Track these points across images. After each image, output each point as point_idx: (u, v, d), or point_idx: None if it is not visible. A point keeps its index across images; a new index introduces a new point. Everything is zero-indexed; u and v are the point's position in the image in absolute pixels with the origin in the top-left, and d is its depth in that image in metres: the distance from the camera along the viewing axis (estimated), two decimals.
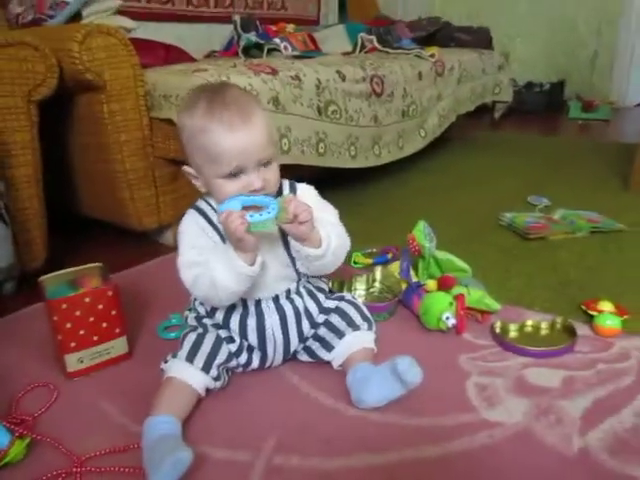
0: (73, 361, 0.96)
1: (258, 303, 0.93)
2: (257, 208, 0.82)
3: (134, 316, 1.16)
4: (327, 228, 0.89)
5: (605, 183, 2.10)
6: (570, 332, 1.06)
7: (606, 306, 1.11)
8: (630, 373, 0.94)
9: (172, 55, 1.84)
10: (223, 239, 0.89)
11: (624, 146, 2.63)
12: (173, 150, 1.41)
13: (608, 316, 1.06)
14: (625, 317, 1.09)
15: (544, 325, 1.09)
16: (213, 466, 0.76)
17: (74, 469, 0.76)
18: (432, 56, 2.32)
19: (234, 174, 0.83)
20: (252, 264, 0.83)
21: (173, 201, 1.51)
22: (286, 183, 0.95)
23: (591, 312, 1.11)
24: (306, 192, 0.96)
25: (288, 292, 0.95)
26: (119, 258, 1.48)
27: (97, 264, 1.05)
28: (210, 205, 0.91)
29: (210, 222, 0.90)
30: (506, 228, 1.65)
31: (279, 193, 0.91)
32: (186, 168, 0.90)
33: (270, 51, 2.19)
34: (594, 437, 0.79)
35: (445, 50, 2.56)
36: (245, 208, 0.82)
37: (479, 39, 2.89)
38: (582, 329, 1.07)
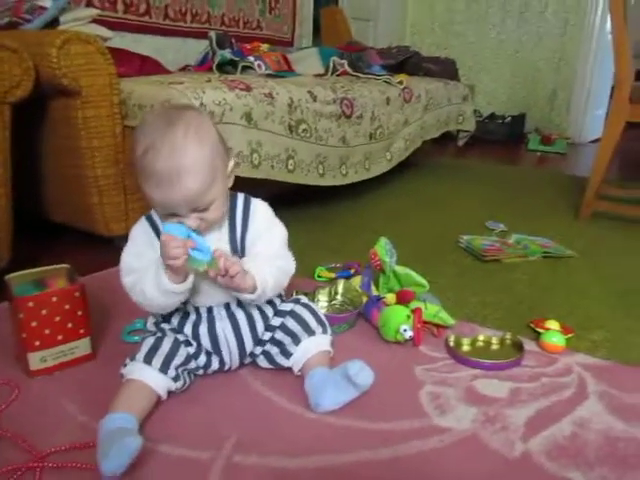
0: (36, 360, 0.97)
1: (210, 310, 0.96)
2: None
3: (99, 319, 1.17)
4: (264, 270, 0.90)
5: (558, 212, 2.22)
6: (518, 347, 1.12)
7: (553, 325, 1.18)
8: (571, 386, 1.00)
9: (147, 66, 1.87)
10: None
11: (577, 179, 2.79)
12: None
13: (554, 334, 1.13)
14: (569, 335, 1.16)
15: (495, 340, 1.15)
16: (172, 464, 0.78)
17: (33, 464, 0.77)
18: (400, 83, 2.42)
19: (170, 214, 0.85)
20: (181, 282, 0.86)
21: (141, 209, 1.52)
22: (240, 198, 0.97)
23: (539, 330, 1.18)
24: (259, 209, 0.97)
25: (239, 299, 0.96)
26: (85, 263, 1.47)
27: (64, 265, 1.06)
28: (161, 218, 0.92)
29: (158, 234, 0.92)
30: (464, 250, 1.72)
31: (232, 208, 0.94)
32: None
33: (244, 68, 2.24)
34: (536, 443, 0.85)
35: (413, 78, 2.66)
36: None
37: (446, 70, 3.02)
38: (530, 345, 1.14)
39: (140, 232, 0.94)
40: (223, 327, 0.96)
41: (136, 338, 1.10)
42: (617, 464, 0.81)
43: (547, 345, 1.12)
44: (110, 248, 1.60)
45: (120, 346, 1.09)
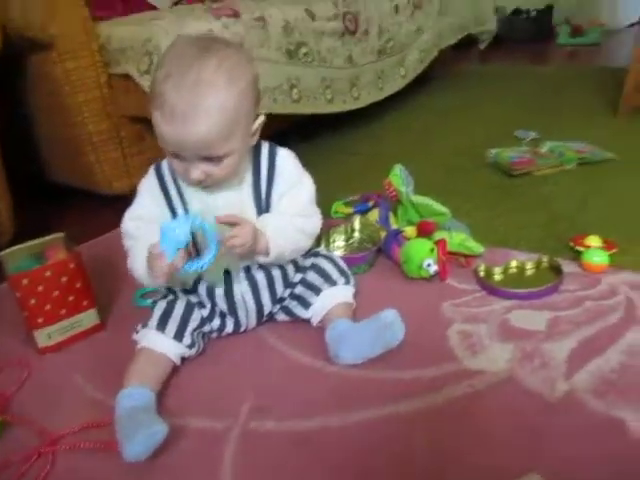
0: (42, 337, 0.93)
1: (227, 271, 0.88)
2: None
3: (109, 284, 1.13)
4: (282, 232, 0.82)
5: (594, 111, 2.02)
6: (556, 270, 1.02)
7: (594, 241, 1.07)
8: (618, 309, 0.91)
9: (130, 5, 1.73)
10: (172, 210, 0.84)
11: (614, 71, 2.53)
12: (134, 107, 1.33)
13: (596, 251, 1.02)
14: (613, 251, 1.05)
15: (529, 265, 1.05)
16: (189, 436, 0.74)
17: (46, 449, 0.74)
18: None
19: (176, 155, 0.75)
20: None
21: (143, 162, 1.45)
22: (265, 149, 0.86)
23: (579, 248, 1.07)
24: (286, 161, 0.87)
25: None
26: (94, 225, 1.43)
27: (59, 234, 1.00)
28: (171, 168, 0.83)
29: (164, 188, 0.84)
30: (492, 165, 1.59)
31: (256, 160, 0.85)
32: None
33: None
34: (580, 379, 0.77)
35: None
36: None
37: None
38: (570, 266, 1.03)
39: (146, 189, 0.86)
40: (241, 289, 0.88)
41: (148, 301, 1.04)
42: None
43: (589, 265, 1.02)
44: (119, 206, 1.54)
45: (132, 312, 1.04)
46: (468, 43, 2.99)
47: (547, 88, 2.45)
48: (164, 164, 0.85)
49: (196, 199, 0.83)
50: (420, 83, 2.42)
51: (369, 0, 1.92)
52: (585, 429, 0.69)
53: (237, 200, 0.83)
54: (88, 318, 0.96)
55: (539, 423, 0.71)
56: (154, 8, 1.91)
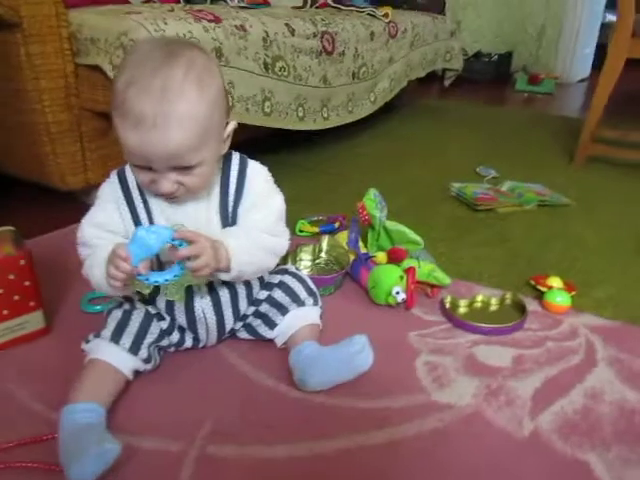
0: None
1: (188, 286, 0.82)
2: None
3: (56, 286, 1.04)
4: (246, 250, 0.77)
5: (550, 156, 2.10)
6: (520, 308, 1.03)
7: (555, 282, 1.09)
8: (579, 352, 0.92)
9: None
10: (135, 217, 0.78)
11: (567, 120, 2.67)
12: (102, 102, 1.26)
13: (558, 292, 1.04)
14: (572, 293, 1.07)
15: (494, 301, 1.06)
16: (140, 458, 0.68)
17: None
18: (385, 16, 2.22)
19: (143, 167, 0.70)
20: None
21: (102, 159, 1.37)
22: (235, 159, 0.81)
23: (540, 287, 1.09)
24: (257, 175, 0.82)
25: None
26: (42, 221, 1.34)
27: (8, 228, 0.92)
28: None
29: (127, 196, 0.78)
30: (455, 198, 1.61)
31: (226, 171, 0.80)
32: None
33: (214, 0, 2.03)
34: (544, 419, 0.77)
35: (398, 11, 2.46)
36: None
37: (433, 3, 2.81)
38: (531, 304, 1.05)
39: (107, 194, 0.79)
40: (202, 304, 0.83)
41: (98, 307, 0.98)
42: (637, 442, 0.73)
43: (551, 305, 1.03)
44: (70, 202, 1.46)
45: (80, 317, 0.97)
46: (431, 79, 3.07)
47: (505, 130, 2.54)
48: (127, 170, 0.79)
49: (160, 211, 0.78)
50: (389, 110, 2.46)
51: (347, 23, 1.93)
52: (552, 470, 0.69)
53: (204, 212, 0.79)
54: (34, 320, 0.89)
55: (508, 462, 0.70)
56: (126, 2, 1.85)
